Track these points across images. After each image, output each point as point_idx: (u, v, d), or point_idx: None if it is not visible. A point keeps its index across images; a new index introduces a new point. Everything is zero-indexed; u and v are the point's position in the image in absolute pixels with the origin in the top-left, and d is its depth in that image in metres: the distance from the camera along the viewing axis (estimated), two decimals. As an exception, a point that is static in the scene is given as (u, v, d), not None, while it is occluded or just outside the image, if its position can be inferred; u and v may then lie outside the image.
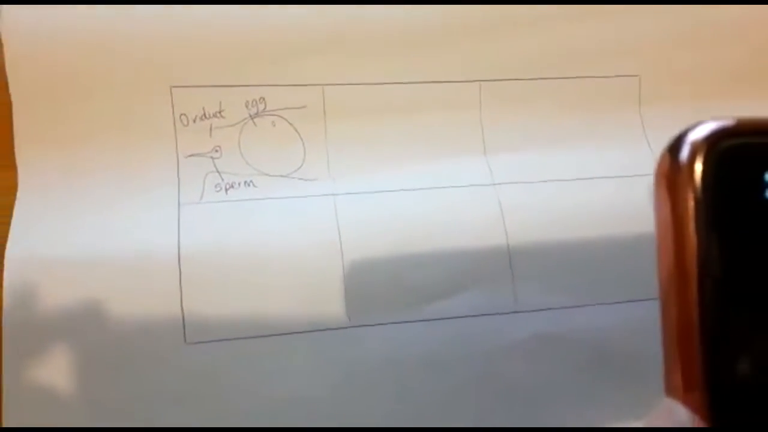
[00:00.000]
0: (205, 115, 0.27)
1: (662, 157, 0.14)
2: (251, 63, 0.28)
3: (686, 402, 0.13)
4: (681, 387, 0.13)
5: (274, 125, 0.28)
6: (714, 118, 0.13)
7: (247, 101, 0.27)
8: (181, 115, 0.27)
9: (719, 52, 0.31)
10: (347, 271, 0.26)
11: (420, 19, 0.29)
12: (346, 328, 0.26)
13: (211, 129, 0.27)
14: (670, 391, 0.14)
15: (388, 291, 0.26)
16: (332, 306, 0.26)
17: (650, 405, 0.27)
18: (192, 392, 0.25)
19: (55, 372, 0.24)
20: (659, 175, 0.14)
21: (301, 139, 0.28)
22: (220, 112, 0.27)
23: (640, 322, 0.27)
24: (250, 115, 0.27)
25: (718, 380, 0.13)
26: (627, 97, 0.31)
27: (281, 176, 0.27)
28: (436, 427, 0.26)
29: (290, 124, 0.28)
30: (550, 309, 0.27)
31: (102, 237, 0.25)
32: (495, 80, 0.30)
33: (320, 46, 0.28)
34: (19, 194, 0.26)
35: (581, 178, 0.29)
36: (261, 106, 0.28)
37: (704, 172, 0.13)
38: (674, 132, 0.30)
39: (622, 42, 0.31)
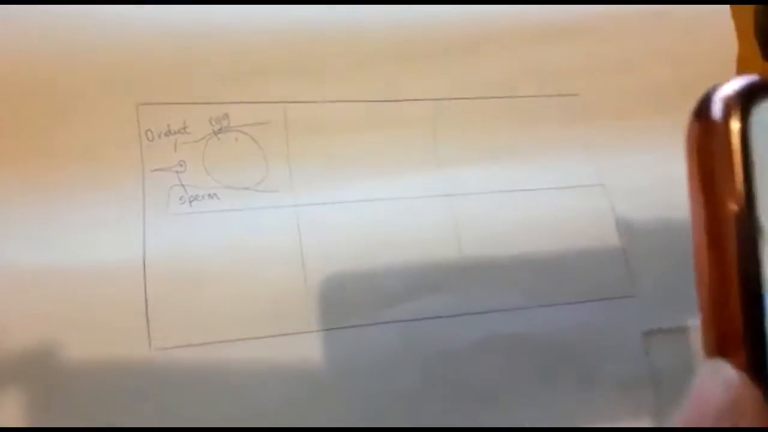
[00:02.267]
0: (170, 131, 0.28)
1: (691, 123, 0.13)
2: (215, 81, 0.29)
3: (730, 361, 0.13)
4: (720, 347, 0.13)
5: (237, 141, 0.29)
6: (737, 77, 0.13)
7: (211, 118, 0.29)
8: (147, 131, 0.28)
9: (653, 72, 0.34)
10: (308, 278, 0.27)
11: (376, 42, 0.31)
12: (308, 332, 0.27)
13: (176, 144, 0.28)
14: (710, 352, 0.13)
15: (348, 296, 0.28)
16: (294, 312, 0.27)
17: (601, 403, 0.28)
18: (158, 397, 0.25)
19: (19, 381, 0.24)
20: (690, 141, 0.13)
21: (264, 154, 0.29)
22: (184, 128, 0.28)
23: (586, 321, 0.29)
24: (214, 131, 0.29)
25: (760, 335, 0.12)
26: (568, 114, 0.33)
27: (244, 189, 0.28)
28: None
29: (253, 139, 0.29)
30: (501, 310, 0.29)
31: (68, 249, 0.26)
32: (448, 99, 0.32)
33: (281, 65, 0.29)
34: (-15, 208, 0.26)
35: (528, 189, 0.31)
36: (224, 123, 0.29)
37: (742, 129, 0.13)
38: (612, 145, 0.33)
39: (563, 64, 0.33)
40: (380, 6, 0.32)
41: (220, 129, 0.29)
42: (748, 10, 0.33)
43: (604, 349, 0.29)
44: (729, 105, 0.13)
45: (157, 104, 0.28)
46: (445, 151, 0.31)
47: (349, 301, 0.28)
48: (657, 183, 0.32)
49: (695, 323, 0.29)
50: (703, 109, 0.13)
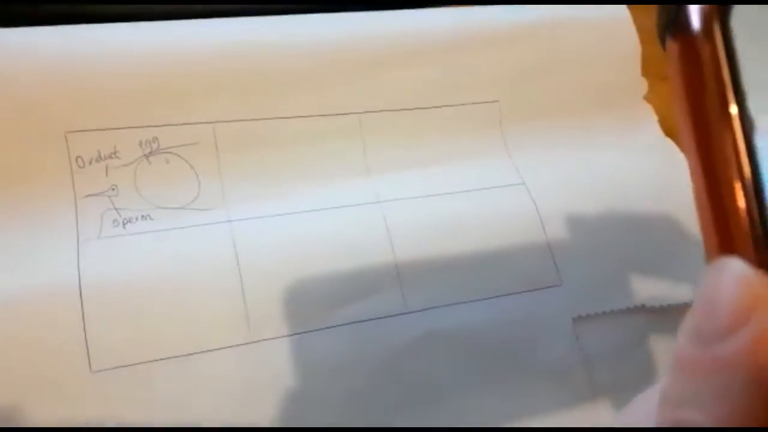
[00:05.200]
0: (100, 156, 0.29)
1: (668, 43, 0.13)
2: (143, 106, 0.29)
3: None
4: (726, 246, 0.12)
5: (168, 162, 0.29)
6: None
7: (141, 141, 0.29)
8: (77, 157, 0.28)
9: (563, 76, 0.36)
10: (247, 291, 0.28)
11: (302, 58, 0.32)
12: (249, 344, 0.27)
13: (106, 169, 0.29)
14: (714, 255, 0.13)
15: (287, 306, 0.28)
16: (234, 325, 0.28)
17: (538, 389, 0.29)
18: (100, 418, 0.25)
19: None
20: (672, 60, 0.13)
21: (196, 173, 0.30)
22: (114, 153, 0.29)
23: (517, 312, 0.30)
24: (144, 154, 0.29)
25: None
26: (489, 119, 0.35)
27: (177, 208, 0.29)
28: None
29: (184, 159, 0.30)
30: (437, 307, 0.30)
31: (2, 278, 0.26)
32: (375, 111, 0.33)
33: (208, 85, 0.30)
34: None
35: (455, 191, 0.32)
36: (154, 145, 0.29)
37: (724, 37, 0.13)
38: (530, 146, 0.34)
39: (483, 72, 0.35)
40: (304, 21, 0.33)
41: (151, 152, 0.29)
42: (649, 10, 0.36)
43: (537, 337, 0.30)
44: (706, 15, 0.13)
45: (86, 131, 0.29)
46: (375, 161, 0.32)
47: (289, 311, 0.28)
48: (575, 178, 0.34)
49: (621, 306, 0.31)
50: (677, 25, 0.13)
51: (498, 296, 0.30)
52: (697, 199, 0.13)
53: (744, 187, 0.12)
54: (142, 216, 0.28)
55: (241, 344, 0.27)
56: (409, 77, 0.34)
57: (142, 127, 0.29)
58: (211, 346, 0.27)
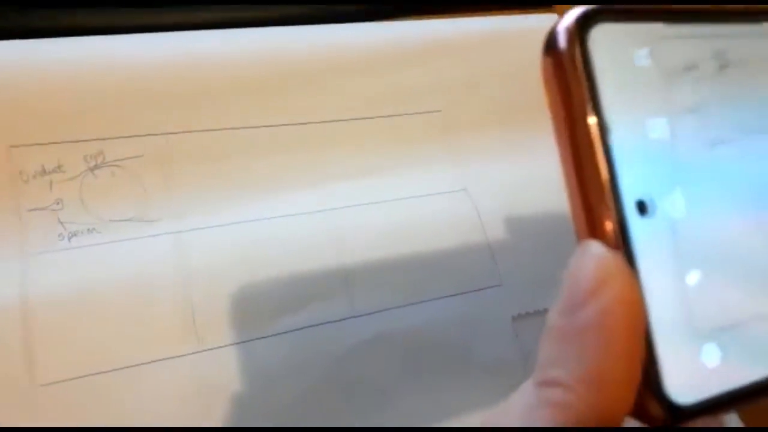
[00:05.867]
0: (44, 170, 0.29)
1: (542, 58, 0.15)
2: (88, 120, 0.30)
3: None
4: (590, 231, 0.15)
5: (114, 175, 0.30)
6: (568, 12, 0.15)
7: (86, 155, 0.29)
8: (20, 172, 0.28)
9: (500, 84, 0.37)
10: (195, 301, 0.28)
11: (249, 69, 0.33)
12: (197, 353, 0.28)
13: (51, 183, 0.29)
14: (581, 236, 0.15)
15: (236, 314, 0.29)
16: (183, 335, 0.28)
17: (479, 387, 0.30)
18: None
19: None
20: (544, 74, 0.15)
21: (142, 185, 0.30)
22: (59, 167, 0.29)
23: (460, 312, 0.31)
24: (90, 168, 0.29)
25: (622, 216, 0.14)
26: (433, 128, 0.36)
27: (124, 220, 0.29)
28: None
29: (130, 172, 0.30)
30: (382, 311, 0.31)
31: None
32: (320, 122, 0.34)
33: (153, 98, 0.31)
34: None
35: (399, 198, 0.33)
36: (100, 159, 0.30)
37: (582, 51, 0.15)
38: (471, 153, 0.36)
39: (427, 82, 0.36)
40: (251, 33, 0.34)
41: (96, 165, 0.30)
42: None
43: (479, 336, 0.31)
44: (569, 33, 0.15)
45: (29, 145, 0.29)
46: (323, 170, 0.33)
47: (237, 319, 0.29)
48: (513, 183, 0.35)
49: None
50: (548, 43, 0.15)
51: (442, 297, 0.31)
52: (568, 192, 0.15)
53: (602, 182, 0.14)
54: (88, 229, 0.29)
55: (190, 353, 0.28)
56: (354, 88, 0.35)
57: (86, 140, 0.30)
58: (161, 356, 0.27)
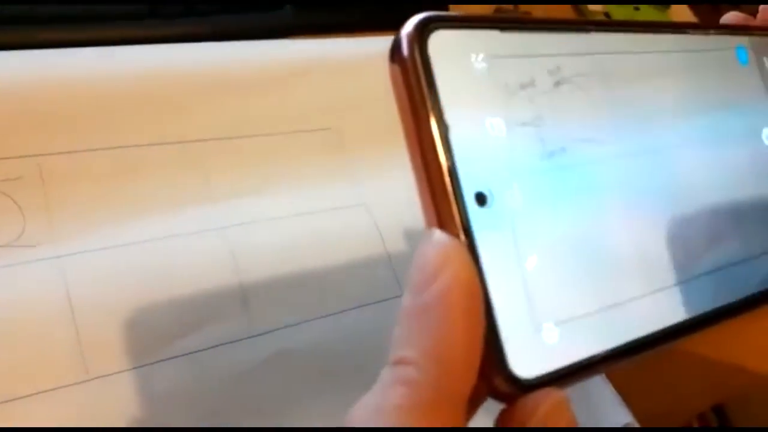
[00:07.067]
0: None
1: (389, 65, 0.16)
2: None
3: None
4: (436, 220, 0.16)
5: (-11, 198, 0.28)
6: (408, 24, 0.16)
7: None
8: None
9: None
10: (80, 328, 0.27)
11: (136, 87, 0.32)
12: (85, 381, 0.26)
13: None
14: (428, 225, 0.16)
15: (124, 339, 0.27)
16: (68, 364, 0.26)
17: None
18: None
19: None
20: (391, 80, 0.16)
21: (20, 208, 0.28)
22: None
23: (363, 325, 0.31)
24: (-37, 191, 0.28)
25: (461, 206, 0.16)
26: (325, 146, 0.36)
27: (1, 246, 0.27)
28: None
29: (6, 195, 0.28)
30: (283, 328, 0.30)
31: None
32: (215, 139, 0.33)
33: (31, 118, 0.29)
34: None
35: (297, 214, 0.33)
36: None
37: (422, 56, 0.16)
38: (367, 169, 0.36)
39: (316, 101, 0.36)
40: (137, 50, 0.33)
41: (-31, 188, 0.28)
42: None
43: (383, 347, 0.31)
44: (409, 39, 0.16)
45: None
46: (217, 188, 0.32)
47: (128, 345, 0.28)
48: (409, 197, 0.35)
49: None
50: (393, 49, 0.16)
51: (344, 311, 0.31)
52: (417, 186, 0.16)
53: (442, 176, 0.16)
54: (-39, 256, 0.27)
55: (78, 383, 0.26)
56: (242, 105, 0.34)
57: (-43, 162, 0.28)
58: (45, 387, 0.26)
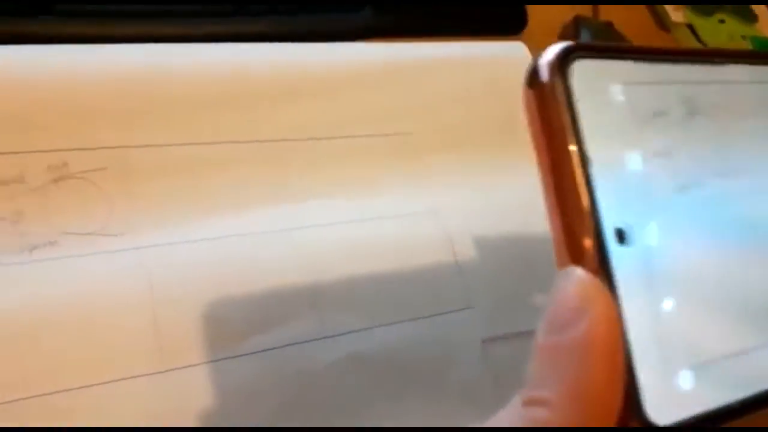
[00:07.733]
0: (4, 180, 0.28)
1: (524, 91, 0.16)
2: (52, 130, 0.29)
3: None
4: (572, 258, 0.15)
5: (77, 187, 0.29)
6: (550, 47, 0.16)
7: (49, 166, 0.28)
8: (-21, 181, 0.27)
9: (470, 108, 0.38)
10: (159, 319, 0.27)
11: (219, 84, 0.32)
12: (160, 372, 0.27)
13: (11, 194, 0.28)
14: (562, 265, 0.15)
15: (200, 333, 0.28)
16: (146, 353, 0.27)
17: (449, 412, 0.30)
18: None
19: None
20: (527, 106, 0.16)
21: (106, 198, 0.29)
22: (21, 178, 0.28)
23: (429, 335, 0.31)
24: (53, 179, 0.28)
25: (603, 243, 0.15)
26: (403, 149, 0.36)
27: (86, 234, 0.28)
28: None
29: (94, 184, 0.29)
30: (351, 332, 0.30)
31: None
32: (293, 139, 0.34)
33: (118, 110, 0.30)
34: None
35: (368, 218, 0.33)
36: (64, 170, 0.29)
37: (564, 85, 0.15)
38: (441, 175, 0.36)
39: (394, 105, 0.36)
40: (218, 49, 0.33)
41: (60, 176, 0.29)
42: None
43: (449, 359, 0.31)
44: (551, 67, 0.16)
45: None
46: (292, 188, 0.33)
47: (203, 338, 0.28)
48: (483, 205, 0.35)
49: (529, 327, 0.32)
50: (531, 77, 0.16)
51: (412, 319, 0.31)
52: (549, 219, 0.16)
53: (583, 210, 0.15)
54: (50, 242, 0.27)
55: (153, 373, 0.27)
56: (323, 107, 0.35)
57: (50, 151, 0.29)
58: (121, 375, 0.26)
